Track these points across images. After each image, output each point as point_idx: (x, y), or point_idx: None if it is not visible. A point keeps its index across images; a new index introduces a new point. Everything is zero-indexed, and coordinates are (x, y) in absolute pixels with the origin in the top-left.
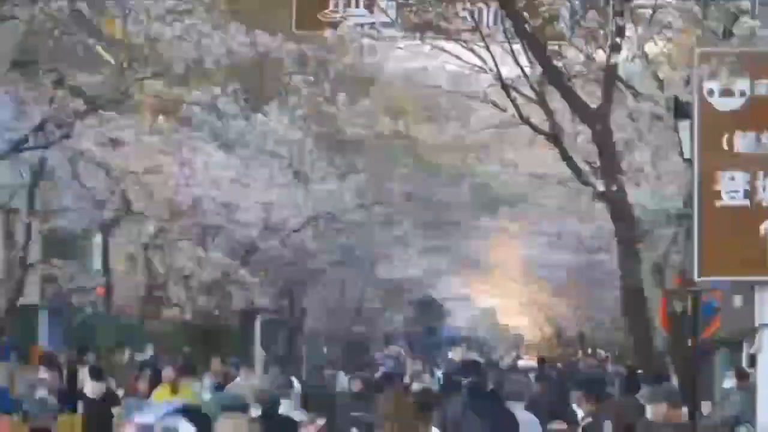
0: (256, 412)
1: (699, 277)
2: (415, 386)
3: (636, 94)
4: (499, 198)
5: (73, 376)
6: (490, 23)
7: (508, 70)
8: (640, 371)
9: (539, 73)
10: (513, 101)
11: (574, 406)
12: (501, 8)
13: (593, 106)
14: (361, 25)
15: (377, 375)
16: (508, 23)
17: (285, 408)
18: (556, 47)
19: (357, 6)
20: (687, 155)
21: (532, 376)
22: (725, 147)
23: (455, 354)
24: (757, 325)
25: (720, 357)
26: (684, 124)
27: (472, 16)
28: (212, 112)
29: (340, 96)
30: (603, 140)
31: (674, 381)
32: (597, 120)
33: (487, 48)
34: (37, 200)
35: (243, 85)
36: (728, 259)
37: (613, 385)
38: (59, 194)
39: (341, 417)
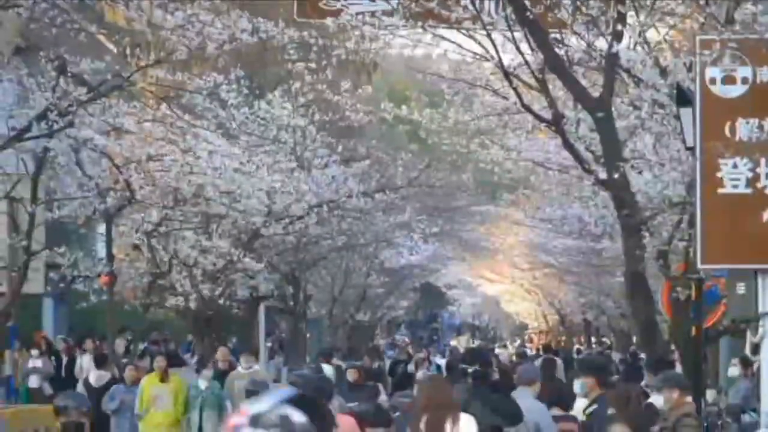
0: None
1: (702, 264)
2: (419, 374)
3: (638, 82)
4: (502, 184)
5: (70, 364)
6: (492, 11)
7: (510, 58)
8: (642, 358)
9: (541, 61)
10: (515, 89)
11: (577, 392)
12: None
13: (595, 93)
14: (363, 14)
15: (380, 363)
16: (510, 11)
17: None
18: (558, 35)
19: None
20: (689, 143)
21: (537, 362)
22: (727, 134)
23: (459, 342)
24: (760, 312)
25: (724, 345)
26: (686, 112)
27: (474, 4)
28: (215, 99)
29: (343, 83)
30: (605, 128)
31: (678, 369)
32: (599, 107)
33: (489, 36)
34: (40, 189)
35: (246, 72)
36: (731, 247)
37: (618, 371)
38: (62, 183)
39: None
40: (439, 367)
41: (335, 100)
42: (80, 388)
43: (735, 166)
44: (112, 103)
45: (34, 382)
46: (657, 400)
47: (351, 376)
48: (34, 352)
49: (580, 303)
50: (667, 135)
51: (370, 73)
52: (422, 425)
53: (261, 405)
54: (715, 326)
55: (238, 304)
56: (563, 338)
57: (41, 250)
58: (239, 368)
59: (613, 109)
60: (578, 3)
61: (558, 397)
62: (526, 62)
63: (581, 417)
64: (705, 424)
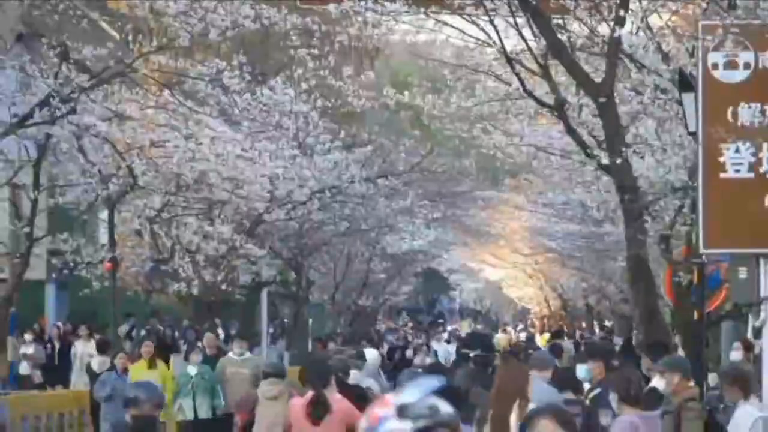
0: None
1: (704, 249)
2: (417, 360)
3: (640, 67)
4: (505, 169)
5: (64, 350)
6: None
7: (513, 44)
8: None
9: (543, 47)
10: (517, 74)
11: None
12: None
13: (597, 79)
14: (365, 0)
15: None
16: None
17: (356, 378)
18: (561, 20)
19: None
20: (691, 128)
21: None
22: (730, 119)
23: (462, 326)
24: (762, 297)
25: (726, 329)
26: (688, 97)
27: None
28: (217, 85)
29: (346, 69)
30: (607, 113)
31: (680, 353)
32: (601, 93)
33: (492, 21)
34: (42, 175)
35: (248, 58)
36: (733, 231)
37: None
38: (65, 169)
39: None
40: (436, 353)
41: (338, 86)
42: (75, 374)
43: (737, 150)
44: (114, 90)
45: (24, 368)
46: (659, 384)
47: None
48: (27, 337)
49: (582, 288)
50: (669, 120)
51: (373, 59)
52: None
53: (407, 395)
54: (716, 310)
55: (240, 289)
56: (564, 323)
57: (43, 236)
58: (231, 354)
59: (615, 94)
60: None
61: (568, 381)
62: (529, 48)
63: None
64: (707, 408)
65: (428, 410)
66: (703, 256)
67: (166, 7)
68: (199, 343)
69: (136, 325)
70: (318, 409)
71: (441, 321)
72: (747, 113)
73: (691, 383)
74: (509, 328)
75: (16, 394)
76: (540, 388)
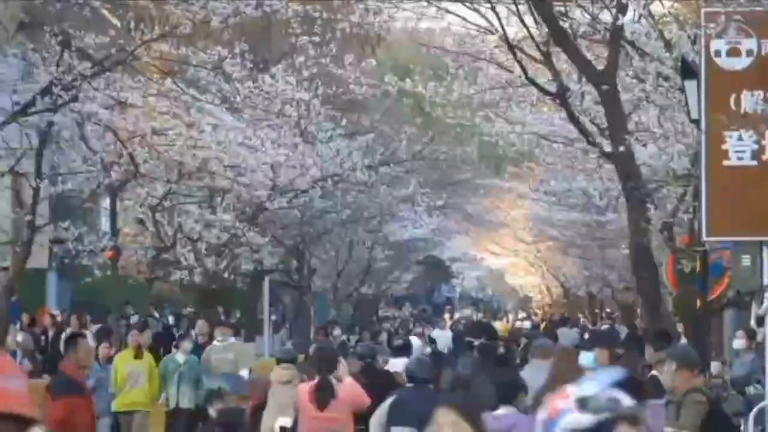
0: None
1: (707, 236)
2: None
3: (642, 54)
4: (507, 157)
5: (57, 339)
6: None
7: (515, 31)
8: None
9: (545, 34)
10: (519, 62)
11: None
12: None
13: (600, 66)
14: None
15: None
16: None
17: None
18: (563, 7)
19: None
20: (694, 115)
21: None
22: (732, 107)
23: (464, 315)
24: (765, 284)
25: (729, 317)
26: (691, 84)
27: None
28: (219, 73)
29: (347, 56)
30: (609, 101)
31: (683, 341)
32: (603, 80)
33: (493, 9)
34: (44, 163)
35: (250, 46)
36: (736, 219)
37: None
38: (67, 157)
39: None
40: (432, 339)
41: (339, 73)
42: None
43: (740, 138)
44: (116, 78)
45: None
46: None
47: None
48: (17, 326)
49: (585, 276)
50: (671, 108)
51: (374, 47)
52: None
53: (588, 388)
54: (719, 298)
55: (242, 278)
56: (566, 312)
57: (45, 224)
58: (215, 342)
59: (617, 81)
60: None
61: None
62: (531, 35)
63: None
64: (712, 397)
65: (609, 403)
66: (706, 244)
67: None
68: (193, 332)
69: (138, 314)
70: (323, 394)
71: (449, 307)
72: (750, 101)
73: (695, 372)
74: (510, 316)
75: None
76: (541, 376)
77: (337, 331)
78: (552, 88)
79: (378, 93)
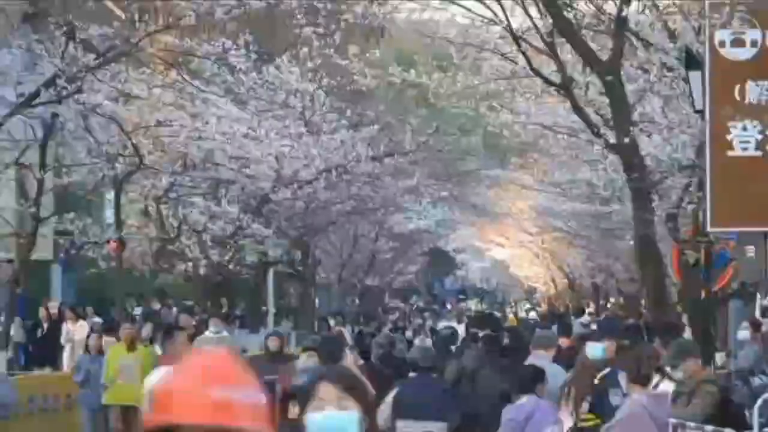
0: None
1: (711, 227)
2: (417, 341)
3: (647, 45)
4: (511, 148)
5: (52, 332)
6: None
7: (519, 22)
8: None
9: (550, 25)
10: (524, 53)
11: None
12: None
13: (604, 57)
14: None
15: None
16: None
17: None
18: None
19: None
20: (698, 106)
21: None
22: (737, 97)
23: (469, 306)
24: None
25: (733, 308)
26: (695, 75)
27: None
28: (223, 65)
29: (351, 47)
30: (614, 91)
31: (687, 332)
32: (608, 71)
33: (498, 0)
34: (49, 155)
35: (254, 37)
36: (741, 210)
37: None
38: (71, 149)
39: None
40: (433, 330)
41: (343, 64)
42: (67, 355)
43: (744, 128)
44: (120, 69)
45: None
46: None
47: (272, 344)
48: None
49: (589, 267)
50: (676, 98)
51: (379, 38)
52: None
53: None
54: (724, 289)
55: (247, 269)
56: (573, 302)
57: (50, 216)
58: (207, 332)
59: (622, 72)
60: None
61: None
62: (535, 26)
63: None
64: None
65: None
66: (711, 235)
67: None
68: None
69: (141, 306)
70: None
71: (462, 297)
72: (754, 91)
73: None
74: (514, 308)
75: (24, 375)
76: (543, 367)
77: (332, 322)
78: (556, 79)
79: (382, 84)
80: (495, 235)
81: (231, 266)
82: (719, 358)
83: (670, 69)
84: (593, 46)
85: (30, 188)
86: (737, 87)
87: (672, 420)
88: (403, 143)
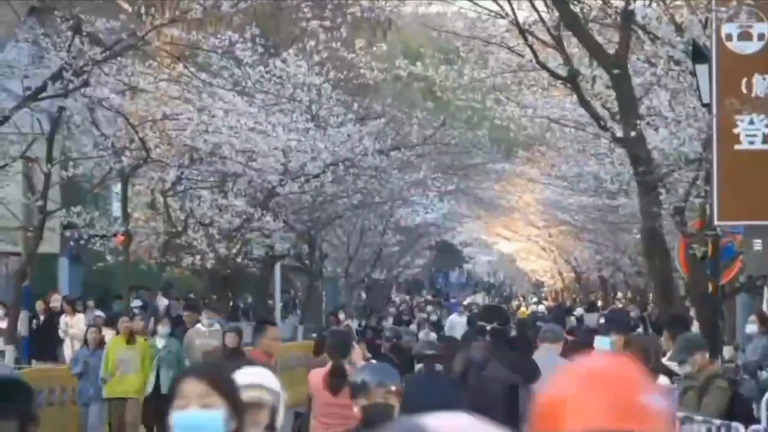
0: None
1: (718, 220)
2: (421, 335)
3: (653, 38)
4: (518, 141)
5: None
6: None
7: (525, 15)
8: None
9: (556, 18)
10: (530, 46)
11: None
12: None
13: (611, 50)
14: None
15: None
16: None
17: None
18: None
19: None
20: (705, 99)
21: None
22: (744, 90)
23: (475, 299)
24: None
25: (741, 302)
26: (702, 68)
27: None
28: (230, 58)
29: (358, 41)
30: (621, 84)
31: (695, 325)
32: (615, 64)
33: None
34: (56, 148)
35: (261, 30)
36: (748, 203)
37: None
38: (78, 142)
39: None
40: (435, 323)
41: (350, 58)
42: (67, 349)
43: (751, 122)
44: (127, 63)
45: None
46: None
47: (229, 340)
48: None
49: (596, 260)
50: (683, 91)
51: (385, 31)
52: None
53: None
54: (731, 282)
55: (254, 263)
56: (579, 295)
57: (57, 209)
58: (199, 325)
59: (628, 66)
60: None
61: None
62: (542, 19)
63: None
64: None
65: None
66: (718, 228)
67: None
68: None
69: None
70: (336, 380)
71: (476, 290)
72: (761, 84)
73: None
74: (528, 299)
75: (31, 368)
76: (550, 360)
77: (341, 316)
78: (563, 72)
79: (389, 77)
80: (502, 228)
81: (238, 260)
82: (727, 351)
83: (677, 62)
84: (600, 39)
85: (37, 182)
86: (744, 80)
87: (680, 413)
88: (409, 137)
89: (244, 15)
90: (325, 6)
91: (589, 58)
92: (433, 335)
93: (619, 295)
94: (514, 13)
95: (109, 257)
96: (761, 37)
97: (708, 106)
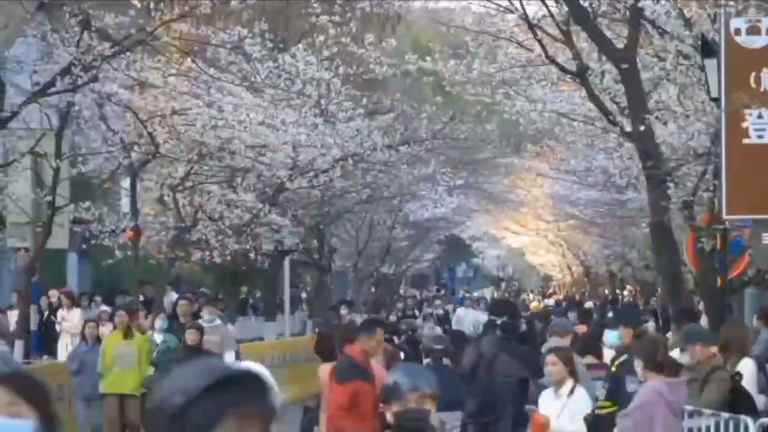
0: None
1: (727, 215)
2: (426, 330)
3: (662, 33)
4: (527, 136)
5: (47, 320)
6: None
7: (534, 10)
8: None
9: (565, 13)
10: (539, 41)
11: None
12: None
13: (619, 45)
14: None
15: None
16: None
17: None
18: None
19: None
20: (714, 93)
21: (572, 316)
22: (752, 85)
23: (483, 294)
24: None
25: (749, 296)
26: (711, 63)
27: None
28: (239, 53)
29: (367, 36)
30: (629, 79)
31: (704, 319)
32: (623, 59)
33: None
34: (64, 144)
35: (270, 25)
36: (756, 197)
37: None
38: (87, 137)
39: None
40: (442, 317)
41: (359, 53)
42: (62, 344)
43: (760, 116)
44: (136, 58)
45: None
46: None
47: (190, 337)
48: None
49: (605, 255)
50: (691, 86)
51: (394, 26)
52: None
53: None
54: (740, 277)
55: (263, 258)
56: (588, 289)
57: (66, 205)
58: (200, 321)
59: (637, 60)
60: None
61: (589, 346)
62: (551, 14)
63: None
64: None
65: None
66: (726, 222)
67: None
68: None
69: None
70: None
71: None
72: None
73: (713, 350)
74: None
75: (38, 364)
76: None
77: (343, 311)
78: (572, 66)
79: (398, 72)
80: (511, 223)
81: (248, 255)
82: None
83: (686, 57)
84: (609, 34)
85: (46, 177)
86: (753, 75)
87: (688, 407)
88: (418, 131)
89: (253, 10)
90: (335, 1)
91: (598, 52)
92: (438, 329)
93: (629, 288)
94: (524, 8)
95: (118, 252)
96: None
97: (717, 100)
